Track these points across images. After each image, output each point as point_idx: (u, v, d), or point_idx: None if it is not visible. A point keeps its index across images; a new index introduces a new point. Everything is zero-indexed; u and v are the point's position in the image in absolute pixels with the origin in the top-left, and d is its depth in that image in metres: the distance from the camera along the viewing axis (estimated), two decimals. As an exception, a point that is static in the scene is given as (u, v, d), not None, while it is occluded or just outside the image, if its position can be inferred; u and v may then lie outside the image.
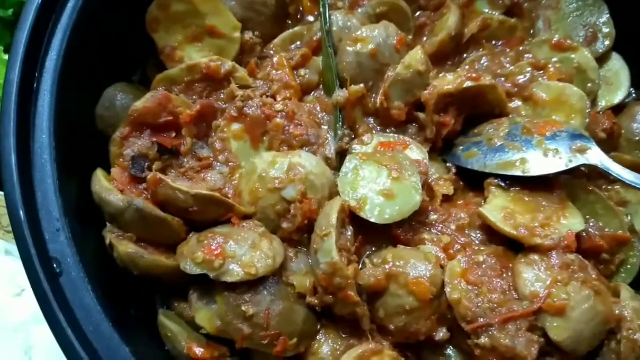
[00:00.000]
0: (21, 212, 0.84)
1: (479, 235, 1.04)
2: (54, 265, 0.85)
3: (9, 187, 0.85)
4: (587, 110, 1.12)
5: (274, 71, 1.14)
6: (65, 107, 0.96)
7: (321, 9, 1.17)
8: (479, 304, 0.93)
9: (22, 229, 0.84)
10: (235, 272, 0.92)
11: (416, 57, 1.10)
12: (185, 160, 1.07)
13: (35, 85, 0.93)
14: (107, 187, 0.98)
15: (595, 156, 1.05)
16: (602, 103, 1.23)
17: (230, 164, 1.07)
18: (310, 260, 0.98)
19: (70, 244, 0.86)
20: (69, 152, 0.95)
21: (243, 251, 0.94)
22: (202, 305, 0.97)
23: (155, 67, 1.16)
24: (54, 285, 0.83)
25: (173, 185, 0.97)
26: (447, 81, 1.10)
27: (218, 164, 1.07)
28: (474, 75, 1.11)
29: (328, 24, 1.16)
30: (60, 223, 0.87)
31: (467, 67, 1.21)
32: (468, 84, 1.09)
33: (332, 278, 0.92)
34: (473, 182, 1.12)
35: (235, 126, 1.08)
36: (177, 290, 1.02)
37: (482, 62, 1.22)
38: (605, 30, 1.25)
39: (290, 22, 1.26)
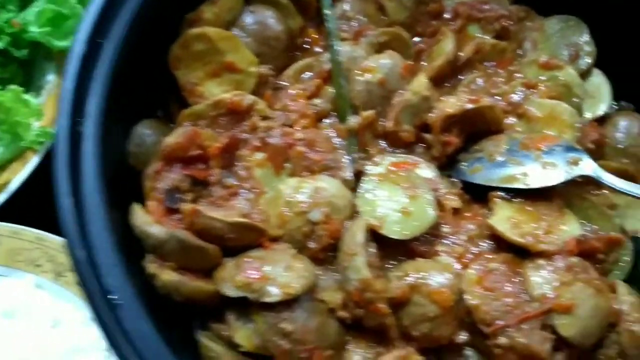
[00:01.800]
0: (82, 252, 0.92)
1: (487, 244, 1.15)
2: (112, 298, 0.92)
3: (68, 230, 0.92)
4: (577, 125, 1.23)
5: (291, 102, 1.22)
6: (106, 149, 1.03)
7: (330, 43, 1.26)
8: (496, 308, 1.03)
9: (83, 268, 0.91)
10: (274, 293, 1.00)
11: (421, 83, 1.20)
12: (214, 190, 1.14)
13: (80, 131, 1.01)
14: (147, 220, 1.05)
15: (589, 167, 1.16)
16: (587, 115, 1.34)
17: (255, 190, 1.15)
18: (337, 277, 1.07)
19: (125, 277, 0.94)
20: (112, 190, 1.02)
21: (279, 273, 1.02)
22: (240, 325, 1.05)
23: (177, 103, 1.23)
24: (115, 317, 0.91)
25: (210, 215, 1.05)
26: (450, 104, 1.20)
27: (244, 191, 1.15)
28: (474, 97, 1.22)
29: (338, 57, 1.25)
30: (114, 259, 0.94)
31: (464, 88, 1.31)
32: (469, 106, 1.20)
33: (363, 293, 1.01)
34: (475, 195, 1.22)
35: (259, 155, 1.16)
36: (212, 312, 1.10)
37: (477, 82, 1.32)
38: (587, 49, 1.36)
39: (298, 53, 1.34)
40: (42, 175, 1.31)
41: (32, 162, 1.33)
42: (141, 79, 1.15)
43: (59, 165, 0.96)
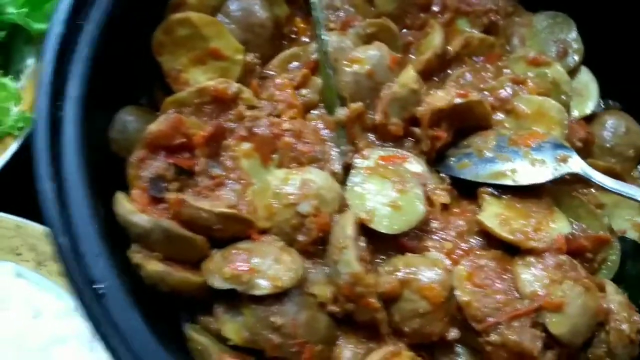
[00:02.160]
0: (65, 240, 0.87)
1: (477, 240, 1.13)
2: (98, 288, 0.88)
3: (50, 217, 0.88)
4: (565, 122, 1.22)
5: (277, 92, 1.19)
6: (87, 134, 0.99)
7: (317, 32, 1.23)
8: (487, 305, 1.02)
9: (67, 257, 0.87)
10: (263, 285, 0.98)
11: (410, 76, 1.18)
12: (199, 179, 1.11)
13: (60, 114, 0.96)
14: (132, 209, 1.01)
15: (577, 165, 1.15)
16: (575, 113, 1.34)
17: (242, 181, 1.12)
18: (327, 271, 1.05)
19: (110, 267, 0.90)
20: (94, 177, 0.98)
21: (268, 265, 1.00)
22: (228, 318, 1.02)
23: (161, 90, 1.20)
24: (101, 307, 0.87)
25: (196, 205, 1.02)
26: (439, 98, 1.18)
27: (230, 181, 1.12)
28: (462, 92, 1.20)
29: (326, 47, 1.22)
30: (98, 248, 0.91)
31: (453, 83, 1.30)
32: (458, 100, 1.18)
33: (354, 287, 0.99)
34: (464, 190, 1.21)
35: (246, 145, 1.13)
36: (200, 305, 1.07)
37: (466, 77, 1.31)
38: (575, 46, 1.36)
39: (285, 42, 1.31)
40: (22, 162, 1.26)
41: (11, 148, 1.28)
42: (124, 63, 1.11)
43: (38, 147, 0.92)
